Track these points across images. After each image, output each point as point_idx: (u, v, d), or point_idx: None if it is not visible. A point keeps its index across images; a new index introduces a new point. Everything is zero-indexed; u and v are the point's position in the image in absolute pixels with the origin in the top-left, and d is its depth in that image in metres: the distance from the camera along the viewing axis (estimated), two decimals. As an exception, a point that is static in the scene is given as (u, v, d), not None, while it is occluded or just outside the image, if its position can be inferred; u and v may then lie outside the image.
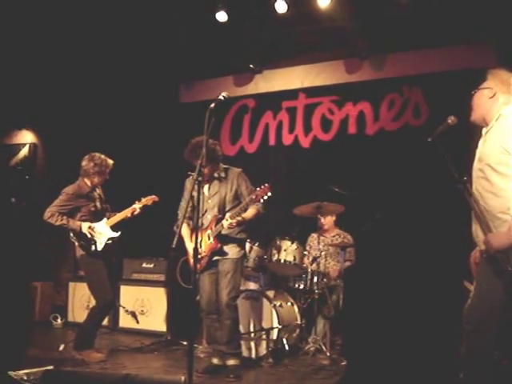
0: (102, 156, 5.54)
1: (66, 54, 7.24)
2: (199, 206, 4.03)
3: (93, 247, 5.38)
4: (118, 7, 6.59)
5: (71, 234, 5.44)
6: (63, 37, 6.95)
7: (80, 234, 5.37)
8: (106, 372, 4.66)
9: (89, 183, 5.53)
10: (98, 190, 5.65)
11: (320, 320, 5.96)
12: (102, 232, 5.43)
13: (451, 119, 3.36)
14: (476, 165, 3.25)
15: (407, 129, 6.78)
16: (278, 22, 6.90)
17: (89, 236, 5.36)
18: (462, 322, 3.15)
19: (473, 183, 3.22)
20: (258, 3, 6.84)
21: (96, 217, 5.49)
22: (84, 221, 5.40)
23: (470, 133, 3.45)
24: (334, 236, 6.51)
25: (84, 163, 5.50)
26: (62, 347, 5.67)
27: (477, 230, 3.19)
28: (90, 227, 5.36)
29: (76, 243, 5.45)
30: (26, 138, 8.42)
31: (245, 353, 5.52)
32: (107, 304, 5.43)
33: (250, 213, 4.93)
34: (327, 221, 6.50)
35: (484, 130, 3.31)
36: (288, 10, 6.61)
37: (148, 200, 5.64)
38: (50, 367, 4.42)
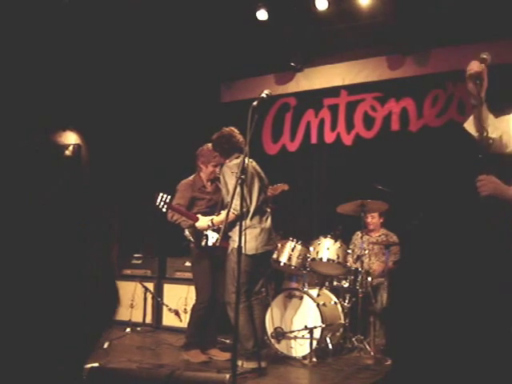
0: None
1: (110, 56, 7.32)
2: (242, 203, 4.07)
3: (203, 242, 5.30)
4: (160, 8, 6.65)
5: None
6: (107, 39, 7.03)
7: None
8: (152, 369, 4.70)
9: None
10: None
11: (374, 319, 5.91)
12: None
13: None
14: None
15: (452, 125, 6.65)
16: (318, 19, 6.87)
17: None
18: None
19: None
20: (298, 1, 6.82)
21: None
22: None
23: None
24: (379, 236, 6.43)
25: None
26: (106, 345, 5.73)
27: None
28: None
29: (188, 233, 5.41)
30: (70, 138, 8.52)
31: (288, 352, 5.52)
32: (203, 302, 5.34)
33: None
34: (374, 221, 6.42)
35: None
36: (328, 7, 6.59)
37: (276, 188, 5.68)
38: (96, 364, 4.47)
